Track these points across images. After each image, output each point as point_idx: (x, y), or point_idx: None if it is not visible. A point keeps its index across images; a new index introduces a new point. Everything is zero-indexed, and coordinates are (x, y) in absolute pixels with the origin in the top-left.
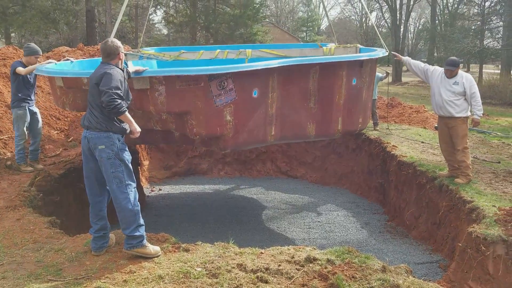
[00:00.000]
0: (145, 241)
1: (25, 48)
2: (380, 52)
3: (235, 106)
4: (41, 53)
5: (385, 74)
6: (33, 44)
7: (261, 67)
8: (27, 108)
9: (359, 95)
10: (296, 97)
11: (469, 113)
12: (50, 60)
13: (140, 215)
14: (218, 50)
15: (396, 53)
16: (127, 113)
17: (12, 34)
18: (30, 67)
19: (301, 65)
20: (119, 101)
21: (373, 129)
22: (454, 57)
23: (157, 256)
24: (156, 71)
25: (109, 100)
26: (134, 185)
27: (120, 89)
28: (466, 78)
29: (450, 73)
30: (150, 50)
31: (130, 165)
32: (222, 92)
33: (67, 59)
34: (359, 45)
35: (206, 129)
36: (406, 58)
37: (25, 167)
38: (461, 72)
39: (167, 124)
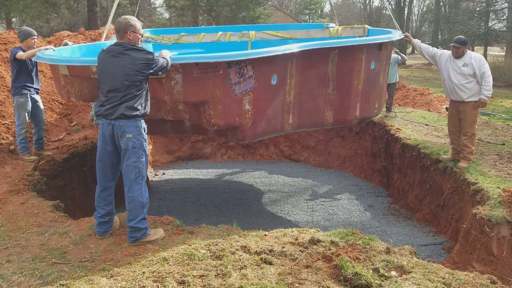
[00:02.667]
0: (148, 231)
1: (19, 34)
2: (397, 34)
3: (254, 94)
4: (35, 33)
5: (403, 57)
6: (24, 27)
7: (282, 52)
8: (28, 95)
9: (377, 79)
10: (314, 83)
11: (477, 97)
12: (48, 46)
13: (147, 211)
14: (220, 33)
15: (408, 34)
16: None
17: (13, 19)
18: (31, 51)
19: (321, 49)
20: (162, 61)
21: (385, 113)
22: (461, 36)
23: (162, 238)
24: (172, 59)
25: (166, 70)
26: (145, 177)
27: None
28: (475, 58)
29: (456, 51)
30: (147, 33)
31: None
32: (242, 79)
33: (66, 44)
34: (367, 26)
35: (224, 119)
36: (416, 41)
37: (28, 157)
38: (469, 52)
39: (180, 114)
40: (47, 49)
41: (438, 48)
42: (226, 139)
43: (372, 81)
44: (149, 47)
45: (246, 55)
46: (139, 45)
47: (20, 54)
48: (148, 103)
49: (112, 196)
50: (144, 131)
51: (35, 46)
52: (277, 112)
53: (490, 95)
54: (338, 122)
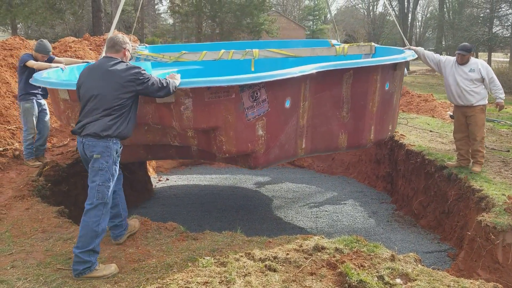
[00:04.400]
0: (94, 266)
1: (38, 44)
2: (411, 54)
3: (267, 119)
4: (50, 53)
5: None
6: (46, 42)
7: (297, 74)
8: (34, 101)
9: (391, 101)
10: (327, 106)
11: (486, 101)
12: (59, 64)
13: (99, 242)
14: (223, 51)
15: (411, 46)
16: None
17: (18, 25)
18: (42, 64)
19: (335, 70)
20: (167, 83)
21: None
22: (466, 43)
23: (112, 275)
24: (182, 83)
25: (167, 91)
26: (110, 205)
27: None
28: (481, 65)
29: (462, 58)
30: (145, 50)
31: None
32: (255, 103)
33: (86, 62)
34: (373, 44)
35: (236, 146)
36: (419, 49)
37: (33, 162)
38: (474, 59)
39: (188, 140)
40: (57, 67)
41: (442, 55)
42: (236, 166)
43: (387, 102)
44: (147, 65)
45: (259, 78)
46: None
47: (32, 63)
48: (130, 126)
49: (116, 198)
50: (116, 153)
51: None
52: (290, 136)
53: (504, 97)
54: (352, 146)
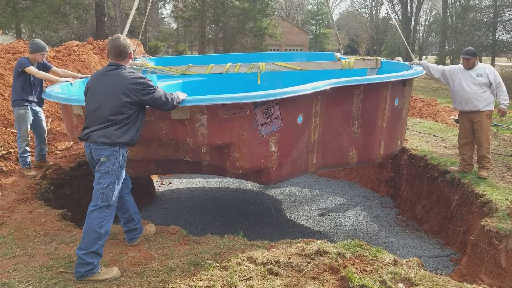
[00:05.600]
0: (96, 269)
1: (31, 45)
2: (420, 70)
3: (280, 135)
4: (47, 49)
5: None
6: (38, 40)
7: (310, 91)
8: (29, 107)
9: (400, 116)
10: (338, 121)
11: (492, 107)
12: (67, 79)
13: (103, 244)
14: (229, 64)
15: (415, 61)
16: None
17: (23, 29)
18: (44, 75)
19: (346, 86)
20: (171, 98)
21: None
22: (470, 47)
23: (114, 278)
24: (197, 99)
25: (171, 106)
26: (114, 208)
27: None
28: (489, 69)
29: (467, 62)
30: (151, 63)
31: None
32: (268, 120)
33: (85, 77)
34: (379, 58)
35: (249, 162)
36: (424, 62)
37: (28, 172)
38: (481, 64)
39: (200, 155)
40: (67, 81)
41: (445, 59)
42: (248, 180)
43: (396, 117)
44: (153, 77)
45: (273, 95)
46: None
47: (32, 71)
48: (137, 135)
49: (126, 204)
50: (123, 157)
51: (44, 61)
52: (302, 152)
53: (508, 104)
54: (362, 161)
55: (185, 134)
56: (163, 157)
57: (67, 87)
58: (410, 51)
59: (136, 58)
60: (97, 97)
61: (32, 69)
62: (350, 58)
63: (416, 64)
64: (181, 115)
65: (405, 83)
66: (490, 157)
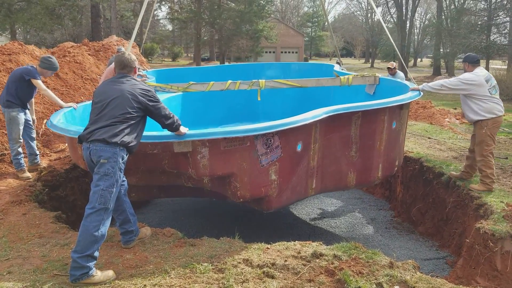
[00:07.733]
0: (91, 272)
1: (46, 60)
2: (419, 94)
3: (280, 164)
4: (57, 70)
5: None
6: (55, 60)
7: (310, 121)
8: (21, 110)
9: (397, 138)
10: (337, 146)
11: (487, 116)
12: (71, 104)
13: (98, 247)
14: (230, 81)
15: (416, 86)
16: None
17: (17, 30)
18: (49, 93)
19: (344, 113)
20: (173, 116)
21: None
22: (470, 53)
23: (109, 281)
24: (199, 134)
25: (176, 125)
26: (111, 211)
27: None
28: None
29: (464, 68)
30: (153, 77)
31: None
32: (268, 150)
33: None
34: (378, 75)
35: (250, 191)
36: (428, 86)
37: (22, 174)
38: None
39: (202, 184)
40: (70, 106)
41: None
42: (248, 207)
43: (394, 140)
44: None
45: (273, 127)
46: None
47: (40, 85)
48: (137, 140)
49: (123, 205)
50: (122, 160)
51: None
52: (301, 178)
53: (429, 89)
54: (360, 183)
55: (187, 165)
56: (166, 183)
57: (70, 114)
58: (402, 60)
59: (138, 68)
60: (106, 97)
61: (40, 84)
62: (348, 75)
63: (416, 89)
64: (183, 148)
65: (402, 107)
66: (488, 172)
